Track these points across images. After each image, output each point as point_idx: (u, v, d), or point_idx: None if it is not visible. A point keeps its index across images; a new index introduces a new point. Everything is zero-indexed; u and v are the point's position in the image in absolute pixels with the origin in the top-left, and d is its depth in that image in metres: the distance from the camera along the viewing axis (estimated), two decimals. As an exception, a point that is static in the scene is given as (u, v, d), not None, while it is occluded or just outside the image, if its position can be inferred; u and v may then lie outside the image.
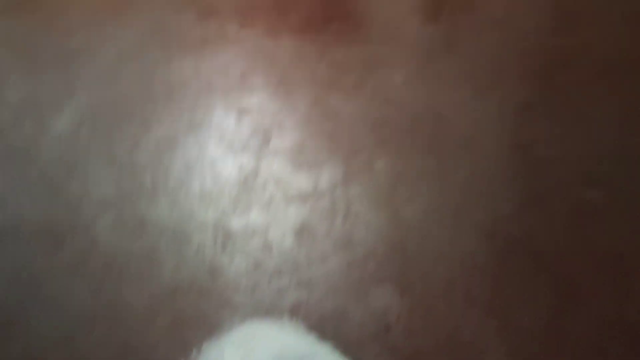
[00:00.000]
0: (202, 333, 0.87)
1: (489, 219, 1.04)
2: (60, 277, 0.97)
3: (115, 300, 0.94)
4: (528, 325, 0.89)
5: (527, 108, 1.27)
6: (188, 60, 1.41)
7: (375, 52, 1.44)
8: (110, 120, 1.25)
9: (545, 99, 1.29)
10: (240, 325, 0.87)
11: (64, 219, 1.05)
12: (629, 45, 1.42)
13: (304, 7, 1.58)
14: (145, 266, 0.98)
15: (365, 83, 1.35)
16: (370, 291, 0.94)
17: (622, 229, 1.02)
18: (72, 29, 1.48)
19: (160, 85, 1.34)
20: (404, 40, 1.47)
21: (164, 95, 1.32)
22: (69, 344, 0.88)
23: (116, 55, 1.41)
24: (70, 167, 1.15)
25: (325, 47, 1.45)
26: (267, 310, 0.92)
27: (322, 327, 0.89)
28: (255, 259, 0.99)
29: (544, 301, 0.92)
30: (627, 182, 1.10)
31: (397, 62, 1.40)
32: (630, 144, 1.18)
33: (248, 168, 1.16)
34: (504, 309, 0.91)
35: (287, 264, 0.99)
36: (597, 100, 1.28)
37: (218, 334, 0.83)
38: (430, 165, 1.15)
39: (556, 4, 1.59)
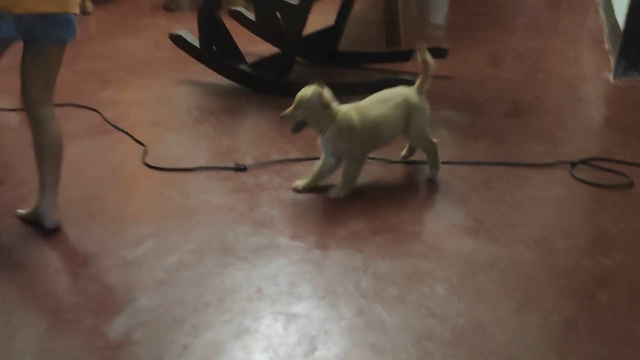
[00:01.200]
0: None
1: None
2: None
3: None
4: None
5: (571, 326, 1.27)
6: (241, 268, 1.51)
7: (418, 265, 1.51)
8: (162, 325, 1.31)
9: (588, 317, 1.29)
10: None
11: None
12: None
13: (351, 220, 1.71)
14: None
15: (408, 295, 1.39)
16: None
17: None
18: (138, 239, 1.63)
19: (213, 292, 1.42)
20: (446, 255, 1.55)
21: (216, 300, 1.39)
22: None
23: (176, 262, 1.53)
24: (119, 370, 1.18)
25: (370, 259, 1.54)
26: None
27: None
28: None
29: None
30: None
31: (439, 275, 1.46)
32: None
33: (291, 378, 1.16)
34: None
35: None
36: (643, 320, 1.27)
37: None
38: (476, 383, 1.12)
39: (590, 225, 1.67)
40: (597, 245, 1.58)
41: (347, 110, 1.82)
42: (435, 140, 1.93)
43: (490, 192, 1.86)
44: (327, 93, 1.80)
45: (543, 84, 2.78)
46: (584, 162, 2.01)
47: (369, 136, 1.83)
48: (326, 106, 1.77)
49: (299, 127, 1.81)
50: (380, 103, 1.86)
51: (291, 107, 1.79)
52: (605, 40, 3.29)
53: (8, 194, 1.88)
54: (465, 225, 1.68)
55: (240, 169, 2.02)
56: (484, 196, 1.84)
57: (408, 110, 1.86)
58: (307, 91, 1.78)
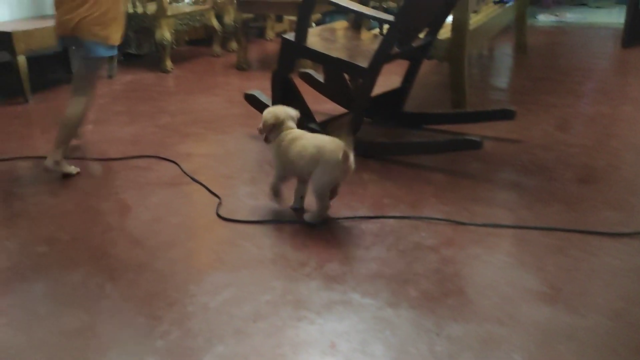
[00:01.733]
0: None
1: None
2: None
3: None
4: None
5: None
6: (314, 322, 1.54)
7: (492, 330, 1.49)
8: (242, 373, 1.34)
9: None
10: None
11: None
12: None
13: (421, 280, 1.72)
14: None
15: (484, 360, 1.37)
16: None
17: None
18: (218, 288, 1.69)
19: (288, 344, 1.45)
20: (521, 321, 1.53)
21: (291, 353, 1.42)
22: None
23: (252, 312, 1.58)
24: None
25: (442, 321, 1.53)
26: None
27: None
28: None
29: None
30: None
31: (516, 342, 1.44)
32: None
33: None
34: None
35: None
36: None
37: None
38: None
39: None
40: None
41: (289, 132, 2.13)
42: (329, 202, 2.08)
43: (565, 259, 1.83)
44: (280, 113, 2.15)
45: (616, 150, 2.74)
46: (664, 232, 1.96)
47: (286, 161, 2.12)
48: (276, 125, 2.14)
49: (266, 138, 2.20)
50: (311, 139, 2.08)
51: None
52: (679, 107, 3.23)
53: (98, 238, 2.00)
54: (541, 292, 1.66)
55: (310, 223, 2.08)
56: (558, 263, 1.81)
57: (319, 158, 2.02)
58: (266, 111, 2.18)
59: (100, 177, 2.56)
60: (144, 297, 1.66)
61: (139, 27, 4.52)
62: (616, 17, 6.41)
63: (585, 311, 1.56)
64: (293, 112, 2.22)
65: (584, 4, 7.54)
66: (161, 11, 4.32)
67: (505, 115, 2.98)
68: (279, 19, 6.01)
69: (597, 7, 7.28)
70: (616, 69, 4.46)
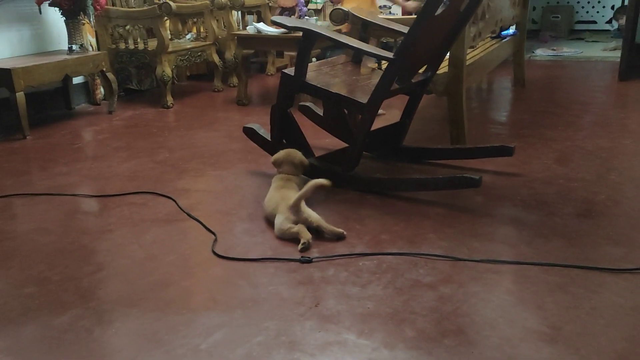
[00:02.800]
0: None
1: None
2: None
3: None
4: None
5: None
6: (308, 365, 1.49)
7: (491, 372, 1.44)
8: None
9: None
10: None
11: None
12: None
13: (418, 319, 1.68)
14: None
15: (483, 405, 1.32)
16: None
17: None
18: (210, 329, 1.66)
19: (280, 388, 1.41)
20: (521, 363, 1.48)
21: (283, 398, 1.37)
22: None
23: (245, 355, 1.54)
24: None
25: (440, 363, 1.49)
26: None
27: None
28: None
29: None
30: None
31: (515, 386, 1.39)
32: None
33: None
34: None
35: None
36: None
37: None
38: None
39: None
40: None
41: (282, 177, 2.50)
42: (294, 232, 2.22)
43: (566, 297, 1.79)
44: (279, 159, 2.55)
45: (616, 184, 2.71)
46: (667, 268, 1.92)
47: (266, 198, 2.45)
48: (275, 165, 2.57)
49: None
50: (287, 190, 2.39)
51: None
52: (679, 140, 3.22)
53: (88, 278, 1.97)
54: (541, 332, 1.61)
55: (306, 261, 2.04)
56: (558, 301, 1.77)
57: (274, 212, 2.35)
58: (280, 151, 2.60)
59: (96, 214, 2.54)
60: (133, 339, 1.62)
61: (140, 63, 4.57)
62: (612, 51, 6.47)
63: (587, 352, 1.51)
64: (297, 160, 2.54)
65: (580, 39, 7.63)
66: (162, 47, 4.38)
67: (504, 152, 2.97)
68: (280, 55, 6.09)
69: (594, 42, 7.36)
70: (614, 102, 4.47)
